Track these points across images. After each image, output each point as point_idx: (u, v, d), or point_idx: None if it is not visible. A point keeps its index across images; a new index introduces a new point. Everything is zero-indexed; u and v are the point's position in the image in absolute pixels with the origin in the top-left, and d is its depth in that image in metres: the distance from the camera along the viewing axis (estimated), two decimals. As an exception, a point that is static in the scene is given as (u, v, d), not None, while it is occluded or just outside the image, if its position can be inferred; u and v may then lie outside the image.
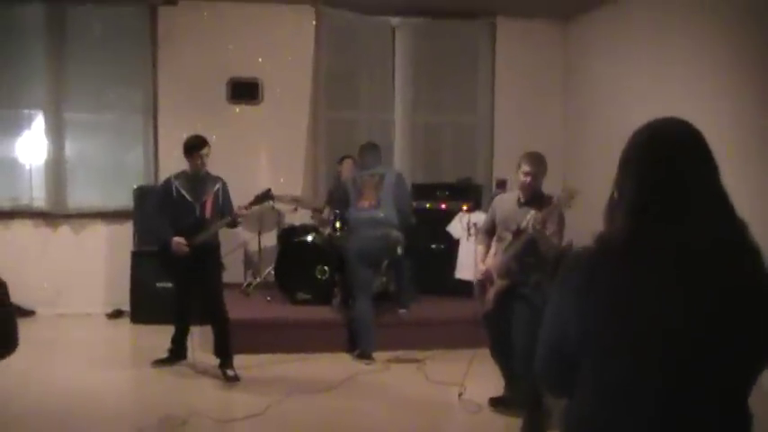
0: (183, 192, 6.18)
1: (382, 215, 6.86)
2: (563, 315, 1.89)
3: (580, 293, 1.84)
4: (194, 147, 6.17)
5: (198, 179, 6.21)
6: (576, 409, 1.89)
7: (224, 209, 6.25)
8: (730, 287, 1.73)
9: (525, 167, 5.09)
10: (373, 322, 6.86)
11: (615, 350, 1.79)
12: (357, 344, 6.81)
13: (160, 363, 6.35)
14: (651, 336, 1.74)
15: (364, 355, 6.70)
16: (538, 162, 5.12)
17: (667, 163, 1.80)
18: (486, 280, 5.22)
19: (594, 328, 1.81)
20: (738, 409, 1.78)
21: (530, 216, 4.94)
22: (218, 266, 6.38)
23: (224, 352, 6.17)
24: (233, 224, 6.34)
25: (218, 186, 6.25)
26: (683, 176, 1.79)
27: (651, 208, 1.78)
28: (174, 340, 6.41)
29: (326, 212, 7.81)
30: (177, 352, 6.42)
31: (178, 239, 6.06)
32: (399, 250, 7.11)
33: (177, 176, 6.31)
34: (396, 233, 6.94)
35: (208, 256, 6.17)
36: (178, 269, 6.21)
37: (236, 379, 6.05)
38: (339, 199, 7.32)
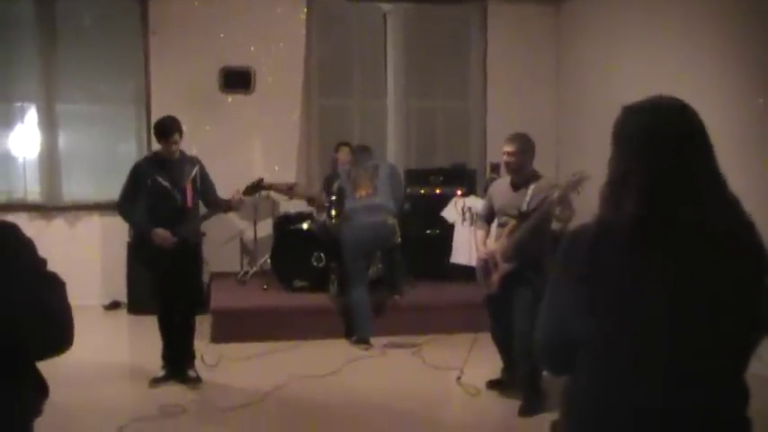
0: (160, 179, 5.56)
1: (379, 201, 6.86)
2: (563, 297, 1.90)
3: (581, 277, 1.85)
4: (164, 132, 5.56)
5: (173, 163, 5.63)
6: (579, 387, 1.91)
7: (205, 193, 5.78)
8: (730, 265, 1.77)
9: (506, 147, 5.16)
10: (369, 308, 6.88)
11: (620, 332, 1.81)
12: (354, 330, 6.83)
13: (157, 382, 5.71)
14: (655, 318, 1.76)
15: (362, 341, 6.74)
16: (519, 141, 5.15)
17: (674, 147, 1.81)
18: (489, 262, 5.23)
19: (598, 312, 1.83)
20: (738, 383, 1.83)
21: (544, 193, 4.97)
22: (199, 262, 5.99)
23: (187, 352, 5.82)
24: (227, 209, 6.00)
25: (195, 169, 5.71)
26: (688, 160, 1.81)
27: (660, 192, 1.80)
28: (164, 356, 5.80)
29: (323, 198, 7.80)
30: (172, 370, 5.77)
31: (161, 231, 5.52)
32: (398, 239, 7.08)
33: (149, 162, 5.75)
34: (392, 220, 6.95)
35: (190, 250, 5.71)
36: (158, 264, 5.61)
37: (198, 380, 5.74)
38: (338, 193, 7.26)
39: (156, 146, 5.85)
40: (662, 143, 1.82)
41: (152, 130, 5.78)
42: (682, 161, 1.81)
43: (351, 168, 7.12)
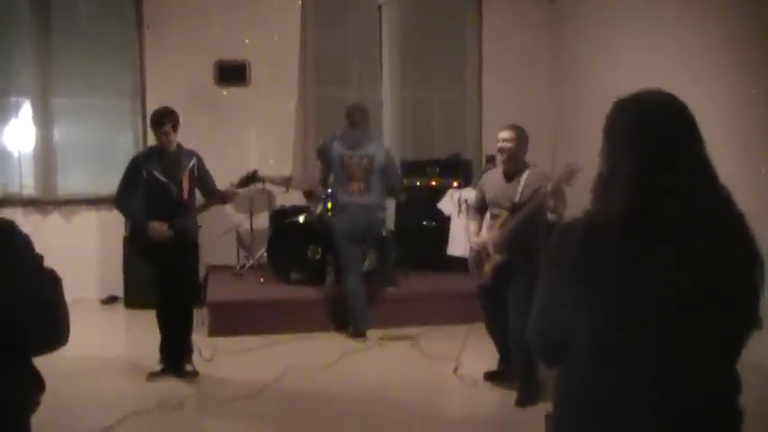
0: (156, 172, 5.57)
1: (371, 201, 6.80)
2: (555, 291, 1.91)
3: (573, 272, 1.86)
4: (155, 122, 5.61)
5: (170, 155, 5.65)
6: (572, 381, 1.92)
7: (204, 186, 5.82)
8: (719, 258, 1.77)
9: (501, 134, 5.21)
10: (364, 300, 6.88)
11: (611, 326, 1.82)
12: (350, 322, 6.85)
13: (154, 376, 5.73)
14: (647, 312, 1.77)
15: (358, 333, 6.75)
16: (515, 129, 5.19)
17: (662, 140, 1.82)
18: (481, 252, 5.25)
19: (589, 307, 1.84)
20: (729, 375, 1.84)
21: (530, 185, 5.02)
22: (196, 256, 5.98)
23: (184, 346, 5.80)
24: (222, 201, 6.08)
25: (192, 162, 5.72)
26: (676, 152, 1.82)
27: (647, 187, 1.80)
28: (162, 349, 5.80)
29: (320, 191, 7.73)
30: (169, 364, 5.78)
31: (157, 224, 5.53)
32: (383, 232, 7.17)
33: (146, 155, 5.82)
34: (380, 215, 6.99)
35: (187, 244, 5.70)
36: (156, 258, 5.64)
37: (195, 374, 5.74)
38: (324, 172, 7.15)
39: (152, 138, 5.85)
40: (650, 137, 1.83)
41: (148, 122, 5.79)
42: (670, 154, 1.82)
43: (344, 153, 6.77)
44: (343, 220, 6.84)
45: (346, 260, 6.90)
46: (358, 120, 6.86)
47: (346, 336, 6.79)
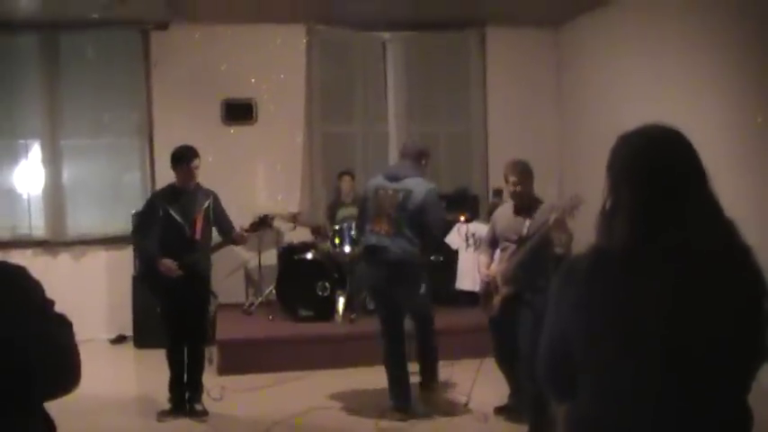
0: (171, 211, 5.62)
1: (397, 249, 5.56)
2: (562, 324, 1.92)
3: (579, 305, 1.87)
4: (183, 158, 5.67)
5: (187, 194, 5.70)
6: (578, 411, 1.92)
7: (220, 225, 5.85)
8: (726, 289, 1.77)
9: (512, 178, 5.18)
10: (401, 371, 5.87)
11: (616, 357, 1.82)
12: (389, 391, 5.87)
13: (164, 415, 5.74)
14: (652, 343, 1.77)
15: (395, 408, 5.76)
16: (521, 169, 5.19)
17: (664, 174, 1.83)
18: (490, 286, 5.25)
19: (596, 338, 1.84)
20: (738, 407, 1.82)
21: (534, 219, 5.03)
22: (207, 294, 6.00)
23: (195, 384, 5.83)
24: (235, 243, 6.10)
25: (208, 202, 5.75)
26: (678, 186, 1.82)
27: (649, 219, 1.81)
28: (171, 388, 5.80)
29: (326, 227, 7.80)
30: (179, 403, 5.78)
31: (168, 261, 5.55)
32: (422, 287, 5.82)
33: (163, 193, 5.84)
34: (408, 267, 5.62)
35: (198, 282, 5.74)
36: (166, 294, 5.68)
37: (204, 413, 5.74)
38: (360, 209, 6.07)
39: (160, 177, 5.89)
40: (651, 173, 1.84)
41: (170, 159, 5.85)
42: (671, 190, 1.82)
43: (380, 184, 5.74)
44: (365, 278, 6.01)
45: (380, 317, 5.94)
46: (406, 153, 5.93)
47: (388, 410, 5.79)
